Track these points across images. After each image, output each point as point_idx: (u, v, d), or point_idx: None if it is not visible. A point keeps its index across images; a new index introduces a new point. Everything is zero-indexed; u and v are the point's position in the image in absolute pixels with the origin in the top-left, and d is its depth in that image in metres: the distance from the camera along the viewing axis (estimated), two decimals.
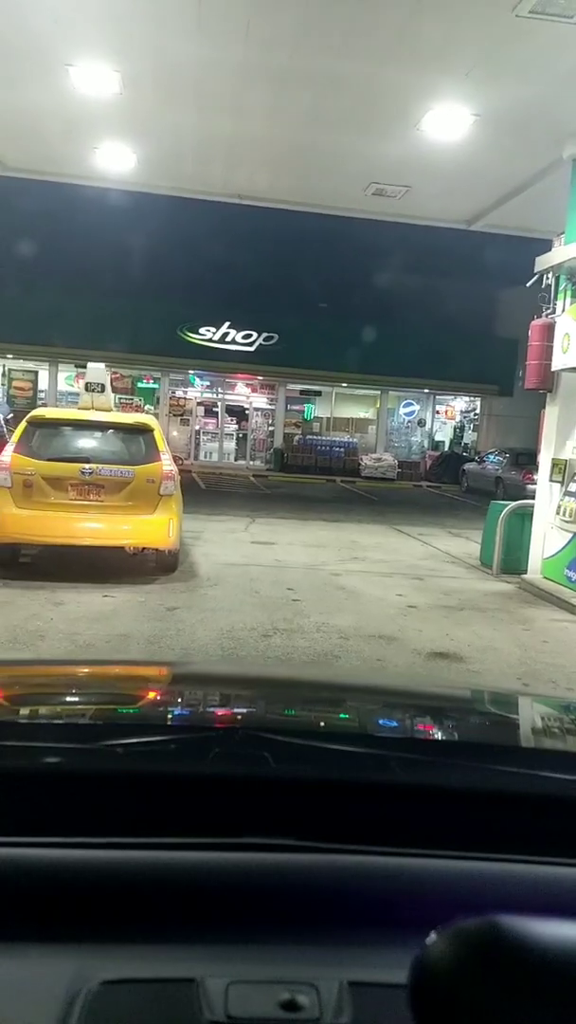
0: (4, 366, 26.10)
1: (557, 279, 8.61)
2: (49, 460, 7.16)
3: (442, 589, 8.24)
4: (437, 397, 28.35)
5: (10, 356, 25.32)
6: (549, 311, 8.77)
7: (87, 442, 7.54)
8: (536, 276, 8.81)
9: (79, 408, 8.34)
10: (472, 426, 28.54)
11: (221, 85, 8.07)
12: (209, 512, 12.51)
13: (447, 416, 29.14)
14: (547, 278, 8.69)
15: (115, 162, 10.63)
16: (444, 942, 0.54)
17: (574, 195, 8.65)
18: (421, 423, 28.55)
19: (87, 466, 7.15)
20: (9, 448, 7.27)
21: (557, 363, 8.52)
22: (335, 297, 24.93)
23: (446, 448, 27.86)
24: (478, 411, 27.93)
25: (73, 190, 13.86)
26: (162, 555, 7.70)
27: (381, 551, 10.55)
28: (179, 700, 1.63)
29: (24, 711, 1.42)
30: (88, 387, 8.18)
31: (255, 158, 10.17)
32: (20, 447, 7.19)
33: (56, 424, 7.67)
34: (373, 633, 6.16)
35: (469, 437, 28.46)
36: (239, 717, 1.48)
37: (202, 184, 11.59)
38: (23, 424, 7.49)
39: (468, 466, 23.55)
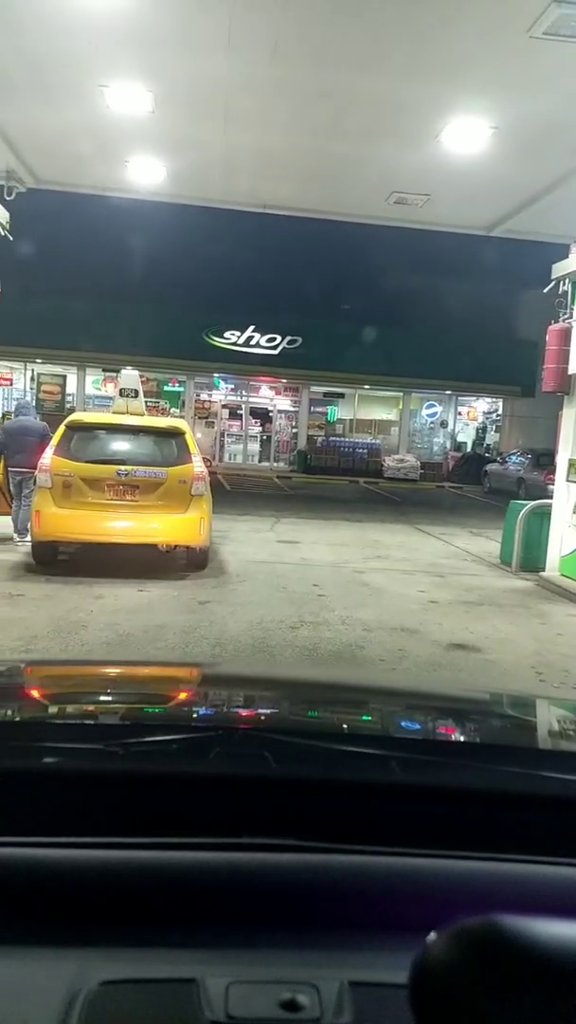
0: (33, 371, 26.74)
1: (573, 285, 8.85)
2: (87, 462, 7.56)
3: (462, 586, 8.52)
4: (459, 398, 28.52)
5: (39, 361, 25.94)
6: (566, 316, 9.02)
7: (122, 445, 7.93)
8: (553, 283, 9.06)
9: (114, 412, 8.73)
10: (494, 427, 28.68)
11: (249, 102, 8.43)
12: (235, 512, 12.86)
13: (469, 417, 29.29)
14: (563, 284, 8.93)
15: (145, 175, 11.03)
16: (444, 942, 0.54)
17: None
18: (443, 424, 28.73)
19: (123, 468, 7.54)
20: (49, 451, 7.67)
21: (574, 366, 8.76)
22: (358, 300, 25.19)
23: (468, 449, 28.05)
24: (500, 412, 28.06)
25: (102, 200, 14.28)
26: (193, 552, 8.06)
27: (403, 550, 10.83)
28: (179, 700, 1.64)
29: (24, 711, 1.45)
30: (122, 392, 8.59)
31: (280, 170, 10.51)
32: (59, 450, 7.60)
33: (93, 428, 8.08)
34: (395, 626, 6.47)
35: (491, 438, 28.60)
36: (239, 717, 1.48)
37: (229, 195, 11.95)
38: (62, 428, 7.89)
39: (490, 467, 23.73)
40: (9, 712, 1.38)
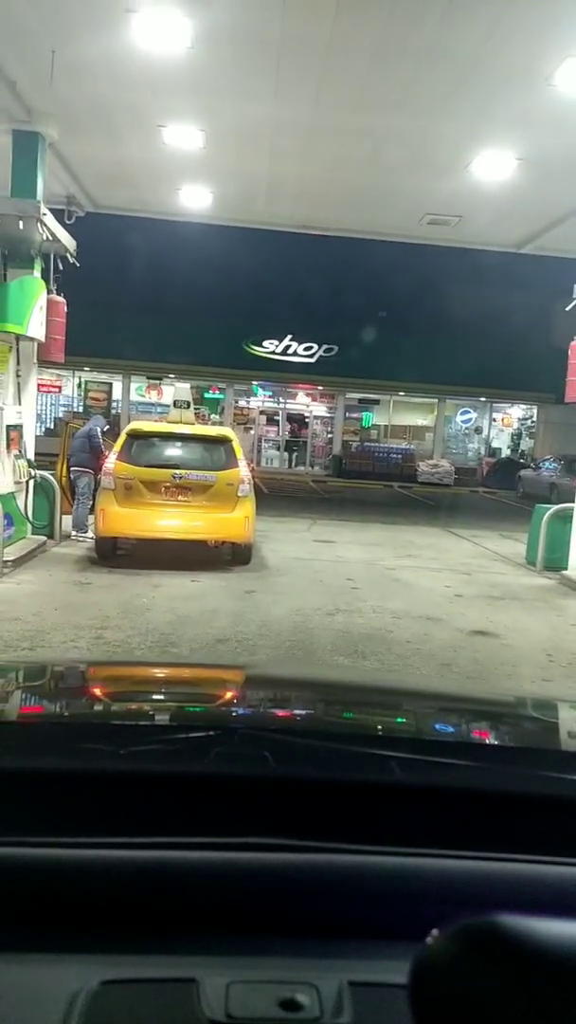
0: (80, 378, 27.93)
1: None
2: (145, 466, 8.42)
3: (488, 582, 9.18)
4: (494, 405, 29.00)
5: (87, 369, 27.10)
6: None
7: (177, 451, 8.78)
8: (575, 301, 9.69)
9: (168, 421, 9.61)
10: (528, 433, 29.10)
11: (292, 140, 9.23)
12: (274, 514, 13.58)
13: (504, 424, 29.75)
14: None
15: (194, 200, 11.92)
16: (444, 942, 0.54)
17: None
18: (478, 430, 29.23)
19: (177, 472, 8.39)
20: (112, 456, 8.56)
21: None
22: (393, 309, 25.87)
23: (503, 455, 28.51)
24: (535, 419, 28.47)
25: (151, 221, 15.20)
26: (238, 548, 8.86)
27: (434, 550, 11.50)
28: (180, 700, 1.64)
29: (24, 711, 1.45)
30: (176, 404, 9.48)
31: (320, 196, 11.30)
32: (121, 455, 8.48)
33: (151, 436, 8.94)
34: (422, 615, 7.18)
35: (526, 444, 29.03)
36: (239, 717, 1.48)
37: (271, 217, 12.78)
38: (123, 436, 8.78)
39: (524, 472, 24.16)
40: (9, 712, 1.39)
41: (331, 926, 0.84)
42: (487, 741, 1.45)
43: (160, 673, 1.98)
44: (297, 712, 1.61)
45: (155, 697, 1.65)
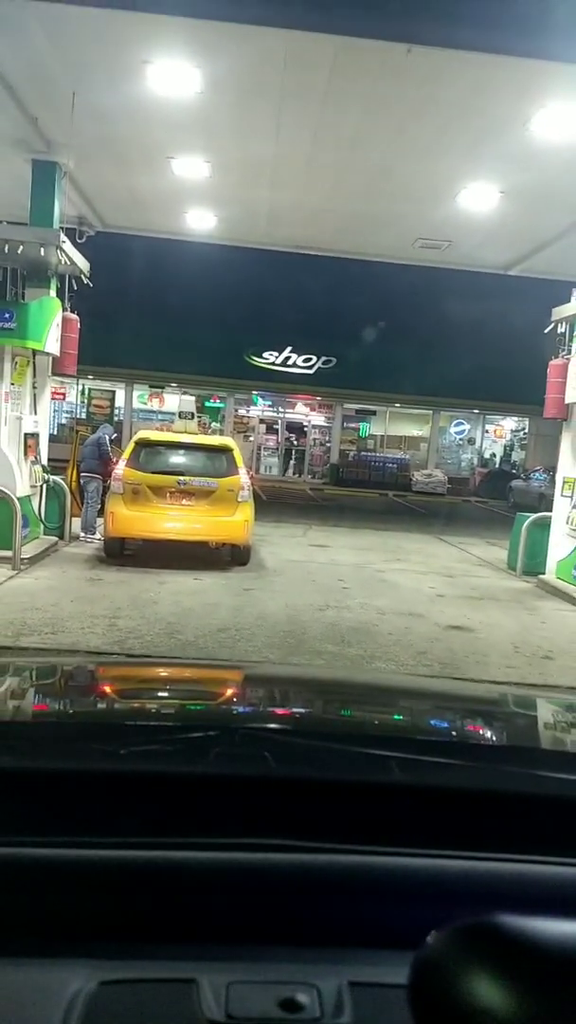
0: (84, 386, 28.65)
1: (571, 326, 10.20)
2: (152, 473, 9.12)
3: (469, 585, 9.86)
4: (487, 417, 29.76)
5: (91, 377, 27.82)
6: (565, 352, 10.35)
7: (181, 459, 9.49)
8: (552, 324, 10.41)
9: (174, 431, 10.33)
10: (520, 445, 29.85)
11: (292, 171, 9.96)
12: (272, 520, 14.22)
13: (496, 435, 30.50)
14: (561, 326, 10.28)
15: (200, 223, 12.66)
16: (444, 942, 0.54)
17: None
18: (471, 441, 29.98)
19: (182, 478, 9.09)
20: (121, 463, 9.25)
21: (570, 396, 10.09)
22: (390, 323, 26.62)
23: (495, 465, 29.26)
24: (527, 431, 29.23)
25: (156, 240, 15.92)
26: (237, 550, 9.54)
27: (422, 555, 12.17)
28: (180, 700, 1.64)
29: (25, 710, 1.45)
30: (181, 415, 10.22)
31: (318, 221, 12.04)
32: (130, 462, 9.18)
33: (157, 444, 9.65)
34: (405, 611, 7.85)
35: (518, 455, 29.77)
36: (239, 717, 1.48)
37: (271, 239, 13.53)
38: (132, 444, 9.49)
39: (514, 483, 24.86)
40: (9, 711, 1.39)
41: (331, 926, 0.84)
42: (487, 741, 1.46)
43: (160, 673, 1.98)
44: (297, 712, 1.62)
45: (155, 697, 1.66)
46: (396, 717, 1.65)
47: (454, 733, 1.51)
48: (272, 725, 1.37)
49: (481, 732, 1.55)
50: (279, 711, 1.61)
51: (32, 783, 0.98)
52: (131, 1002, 0.74)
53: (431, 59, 6.95)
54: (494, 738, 1.52)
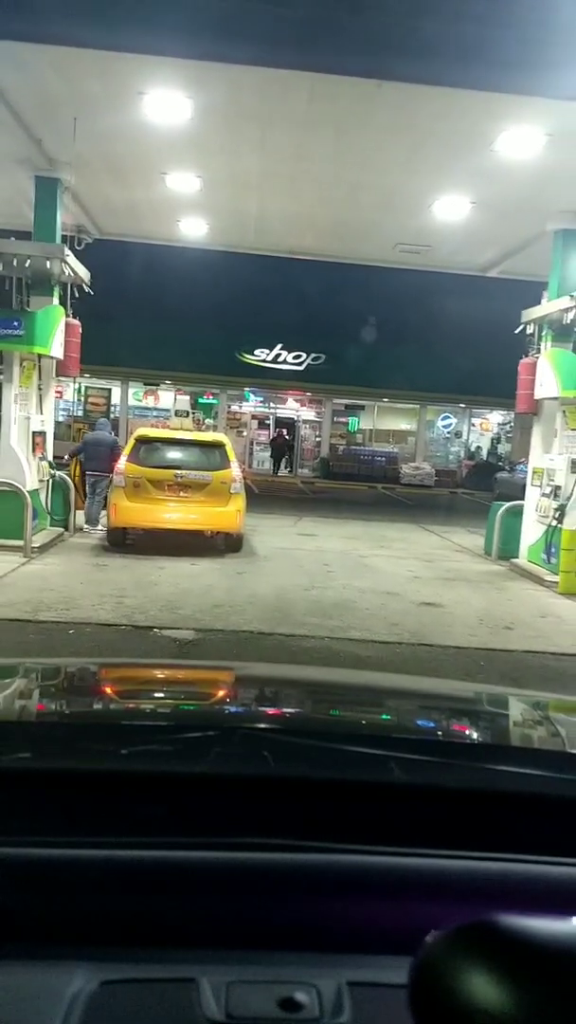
0: (80, 384, 29.33)
1: (539, 328, 10.97)
2: (152, 467, 9.87)
3: (445, 568, 10.64)
4: (473, 411, 30.55)
5: (87, 375, 28.50)
6: (534, 352, 11.12)
7: (178, 454, 10.24)
8: (522, 325, 11.18)
9: (171, 428, 11.09)
10: (506, 438, 30.65)
11: (277, 184, 10.69)
12: (263, 512, 14.88)
13: (483, 428, 31.30)
14: (530, 327, 11.05)
15: (192, 230, 13.39)
16: (444, 942, 0.54)
17: (555, 261, 11.02)
18: (458, 435, 30.77)
19: (179, 472, 9.84)
20: (123, 458, 10.00)
21: (539, 393, 10.87)
22: (378, 320, 27.39)
23: (481, 458, 30.07)
24: (512, 424, 30.00)
25: (151, 245, 16.61)
26: (231, 538, 10.31)
27: (404, 543, 12.95)
28: (179, 700, 1.65)
29: (26, 711, 1.46)
30: (177, 413, 10.99)
31: (304, 228, 12.79)
32: (131, 457, 9.93)
33: (156, 441, 10.40)
34: (383, 591, 8.62)
35: (504, 448, 30.58)
36: (239, 717, 1.48)
37: (260, 244, 14.25)
38: (132, 441, 10.23)
39: (499, 475, 25.60)
40: (9, 711, 1.40)
41: (330, 926, 0.84)
42: (486, 741, 1.46)
43: (160, 673, 1.99)
44: (297, 712, 1.63)
45: (155, 697, 1.67)
46: (396, 717, 1.66)
47: (455, 733, 1.52)
48: (272, 725, 1.38)
49: (480, 732, 1.56)
50: (279, 711, 1.62)
51: (33, 783, 0.99)
52: (131, 1002, 0.75)
53: (400, 89, 7.69)
54: (493, 738, 1.53)
